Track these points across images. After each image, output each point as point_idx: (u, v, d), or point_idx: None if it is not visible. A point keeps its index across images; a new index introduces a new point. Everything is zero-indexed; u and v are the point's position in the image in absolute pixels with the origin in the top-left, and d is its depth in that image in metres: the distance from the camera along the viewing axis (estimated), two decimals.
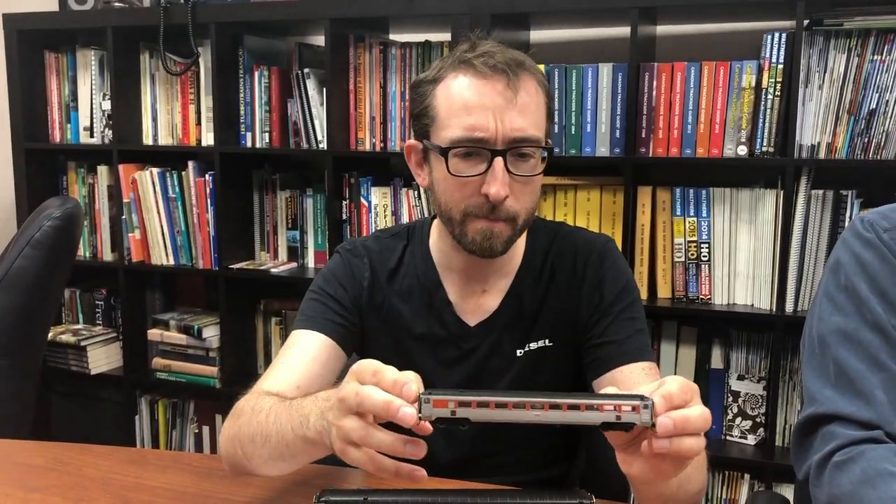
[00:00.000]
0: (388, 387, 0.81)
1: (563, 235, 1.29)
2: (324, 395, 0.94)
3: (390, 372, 0.82)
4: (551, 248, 1.28)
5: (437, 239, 1.28)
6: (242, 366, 2.60)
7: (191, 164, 2.56)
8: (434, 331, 1.26)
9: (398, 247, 1.31)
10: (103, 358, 2.73)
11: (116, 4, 2.57)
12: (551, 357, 1.25)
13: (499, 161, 1.11)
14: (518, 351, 1.25)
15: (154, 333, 2.65)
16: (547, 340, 1.25)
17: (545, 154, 1.16)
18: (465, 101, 1.11)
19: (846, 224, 1.93)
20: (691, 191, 2.12)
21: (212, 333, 2.57)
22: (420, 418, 0.79)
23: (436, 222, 1.29)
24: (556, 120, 2.17)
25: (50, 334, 2.61)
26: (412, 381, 0.81)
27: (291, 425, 0.96)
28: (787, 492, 1.99)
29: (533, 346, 1.25)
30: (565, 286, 1.25)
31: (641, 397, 0.79)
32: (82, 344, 2.67)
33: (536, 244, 1.28)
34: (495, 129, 1.10)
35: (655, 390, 0.80)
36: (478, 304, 1.26)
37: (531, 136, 1.12)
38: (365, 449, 0.83)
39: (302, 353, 1.19)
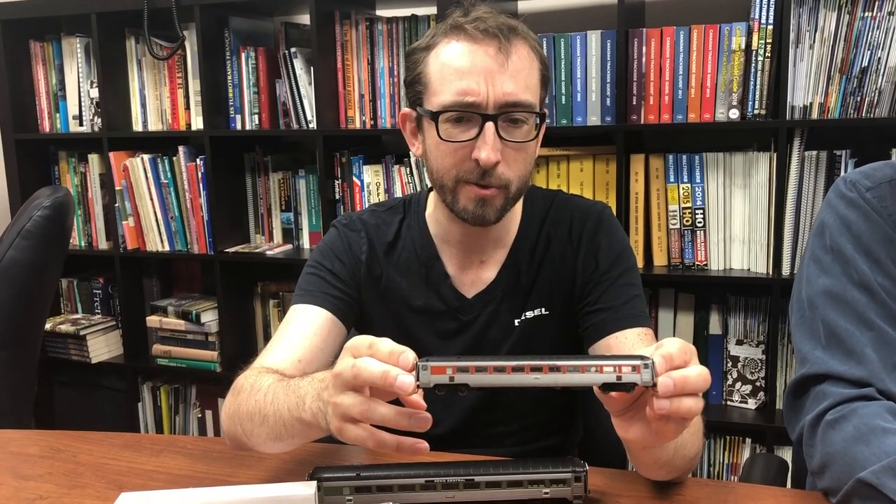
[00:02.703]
0: (385, 357, 0.80)
1: (559, 203, 1.28)
2: (319, 375, 0.94)
3: (386, 343, 0.81)
4: (547, 216, 1.27)
5: (433, 211, 1.28)
6: (242, 349, 2.60)
7: (181, 149, 2.54)
8: (432, 303, 1.26)
9: (394, 220, 1.30)
10: (103, 346, 2.73)
11: None
12: (548, 325, 1.25)
13: (490, 126, 1.09)
14: (516, 321, 1.24)
15: (153, 320, 2.66)
16: (543, 309, 1.25)
17: (539, 121, 1.14)
18: (457, 66, 1.10)
19: None
20: (684, 157, 2.10)
21: (210, 318, 2.57)
22: (418, 386, 0.79)
23: (432, 194, 1.28)
24: None
25: (49, 324, 2.63)
26: (408, 350, 0.80)
27: (288, 406, 0.96)
28: (789, 454, 1.99)
29: (529, 315, 1.24)
30: (560, 254, 1.25)
31: (642, 357, 0.78)
32: (82, 333, 2.67)
33: (533, 213, 1.27)
34: (486, 94, 1.09)
35: (655, 351, 0.80)
36: (476, 275, 1.26)
37: (523, 100, 1.11)
38: (364, 425, 0.82)
39: (301, 327, 1.19)
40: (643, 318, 1.21)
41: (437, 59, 1.13)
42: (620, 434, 0.85)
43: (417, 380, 0.79)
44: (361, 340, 0.83)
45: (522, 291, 1.25)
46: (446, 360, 0.79)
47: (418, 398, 0.81)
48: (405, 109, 1.22)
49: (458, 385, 0.79)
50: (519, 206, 1.26)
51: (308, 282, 1.25)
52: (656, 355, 0.79)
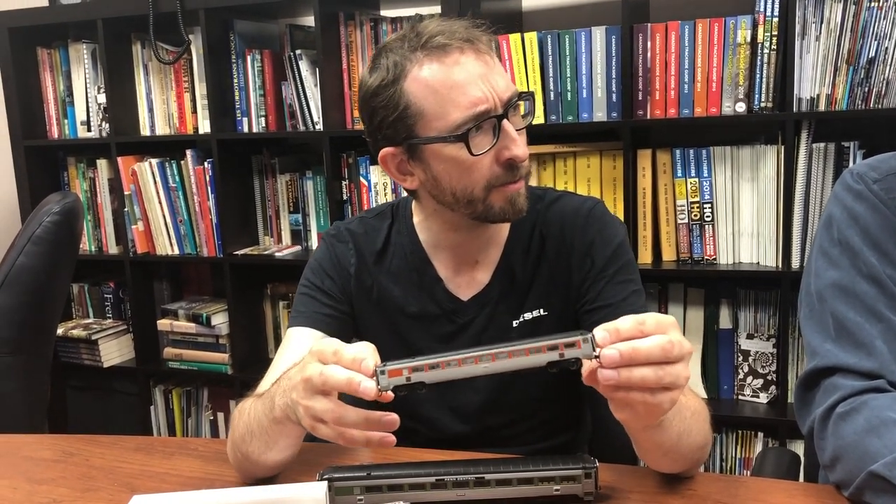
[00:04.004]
0: (348, 364, 0.85)
1: (549, 202, 1.27)
2: (286, 374, 0.97)
3: (349, 350, 0.86)
4: (538, 215, 1.26)
5: (422, 220, 1.27)
6: (253, 351, 2.61)
7: (189, 152, 2.55)
8: (427, 308, 1.26)
9: (383, 226, 1.29)
10: (115, 350, 2.75)
11: None
12: (548, 326, 1.24)
13: (507, 123, 1.11)
14: (514, 322, 1.24)
15: (164, 323, 2.67)
16: (542, 310, 1.24)
17: (531, 100, 1.18)
18: (452, 82, 1.09)
19: None
20: (691, 151, 2.10)
21: (220, 320, 2.58)
22: (380, 390, 0.83)
23: (415, 203, 1.27)
24: (552, 87, 2.15)
25: (61, 329, 2.64)
26: (368, 356, 0.85)
27: (264, 412, 1.00)
28: (801, 448, 1.99)
29: (528, 316, 1.24)
30: (555, 255, 1.24)
31: (582, 332, 0.80)
32: (93, 338, 2.69)
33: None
34: (491, 96, 1.10)
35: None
36: (471, 277, 1.25)
37: (514, 90, 1.13)
38: (333, 425, 0.87)
39: (296, 351, 1.18)
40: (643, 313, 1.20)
41: (421, 85, 1.10)
42: (616, 415, 0.85)
43: (378, 384, 0.83)
44: (327, 347, 0.88)
45: (519, 293, 1.24)
46: (402, 363, 0.83)
47: (388, 393, 0.85)
48: (385, 150, 1.17)
49: (415, 384, 0.83)
50: None
51: (301, 302, 1.26)
52: (600, 329, 0.80)
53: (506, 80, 1.13)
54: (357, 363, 0.84)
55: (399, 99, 1.11)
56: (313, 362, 0.88)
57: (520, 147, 1.12)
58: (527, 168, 1.16)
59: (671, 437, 0.93)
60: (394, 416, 0.85)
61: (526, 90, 1.18)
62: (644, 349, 0.78)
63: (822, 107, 1.95)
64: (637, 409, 0.82)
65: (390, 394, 0.84)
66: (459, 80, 1.09)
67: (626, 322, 0.80)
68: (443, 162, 1.13)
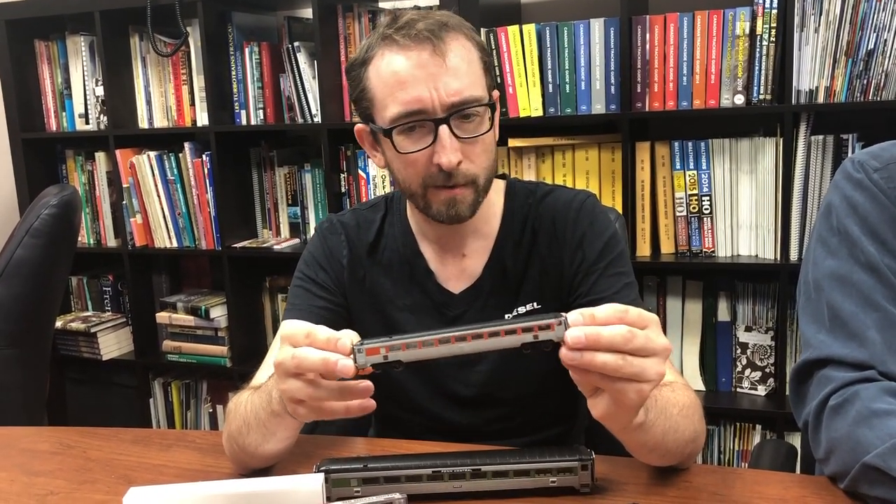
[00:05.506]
0: (322, 345, 0.85)
1: (541, 196, 1.27)
2: None
3: (322, 331, 0.86)
4: (530, 210, 1.26)
5: (411, 209, 1.27)
6: (252, 343, 2.61)
7: (187, 145, 2.55)
8: (418, 301, 1.25)
9: (376, 218, 1.29)
10: (114, 343, 2.75)
11: None
12: None
13: (443, 129, 1.09)
14: (507, 315, 1.23)
15: (162, 316, 2.67)
16: (535, 303, 1.24)
17: (491, 110, 1.14)
18: (397, 77, 1.09)
19: None
20: (690, 144, 2.10)
21: (219, 313, 2.58)
22: (357, 368, 0.84)
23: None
24: (550, 79, 2.14)
25: (60, 322, 2.65)
26: (343, 335, 0.85)
27: (261, 405, 1.00)
28: (798, 440, 1.99)
29: (521, 310, 1.24)
30: (547, 248, 1.24)
31: (557, 315, 0.81)
32: (92, 331, 2.69)
33: (514, 207, 1.26)
34: (432, 98, 1.08)
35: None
36: (460, 269, 1.25)
37: (469, 96, 1.10)
38: (310, 403, 0.87)
39: None
40: (636, 306, 1.20)
41: (376, 73, 1.12)
42: (594, 414, 0.85)
43: (356, 362, 0.83)
44: (298, 329, 0.87)
45: (511, 287, 1.24)
46: (379, 341, 0.83)
47: (367, 376, 0.85)
48: (359, 125, 1.20)
49: (392, 363, 0.83)
50: (499, 199, 1.26)
51: (295, 295, 1.26)
52: (575, 312, 0.80)
53: (461, 83, 1.10)
54: (332, 343, 0.84)
55: (360, 81, 1.15)
56: (285, 346, 0.88)
57: (449, 155, 1.09)
58: (468, 177, 1.13)
59: (655, 436, 0.93)
60: (367, 383, 0.86)
61: (487, 99, 1.14)
62: (606, 335, 0.78)
63: (820, 99, 1.95)
64: (609, 400, 0.82)
65: (368, 372, 0.84)
66: (402, 76, 1.09)
67: (606, 309, 0.80)
68: (388, 151, 1.16)
